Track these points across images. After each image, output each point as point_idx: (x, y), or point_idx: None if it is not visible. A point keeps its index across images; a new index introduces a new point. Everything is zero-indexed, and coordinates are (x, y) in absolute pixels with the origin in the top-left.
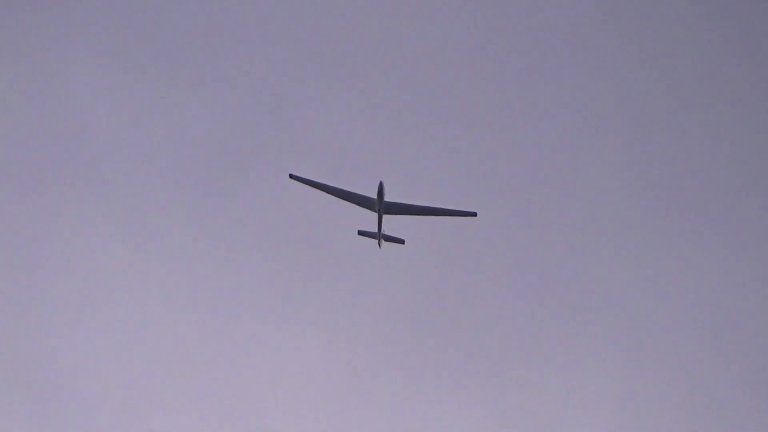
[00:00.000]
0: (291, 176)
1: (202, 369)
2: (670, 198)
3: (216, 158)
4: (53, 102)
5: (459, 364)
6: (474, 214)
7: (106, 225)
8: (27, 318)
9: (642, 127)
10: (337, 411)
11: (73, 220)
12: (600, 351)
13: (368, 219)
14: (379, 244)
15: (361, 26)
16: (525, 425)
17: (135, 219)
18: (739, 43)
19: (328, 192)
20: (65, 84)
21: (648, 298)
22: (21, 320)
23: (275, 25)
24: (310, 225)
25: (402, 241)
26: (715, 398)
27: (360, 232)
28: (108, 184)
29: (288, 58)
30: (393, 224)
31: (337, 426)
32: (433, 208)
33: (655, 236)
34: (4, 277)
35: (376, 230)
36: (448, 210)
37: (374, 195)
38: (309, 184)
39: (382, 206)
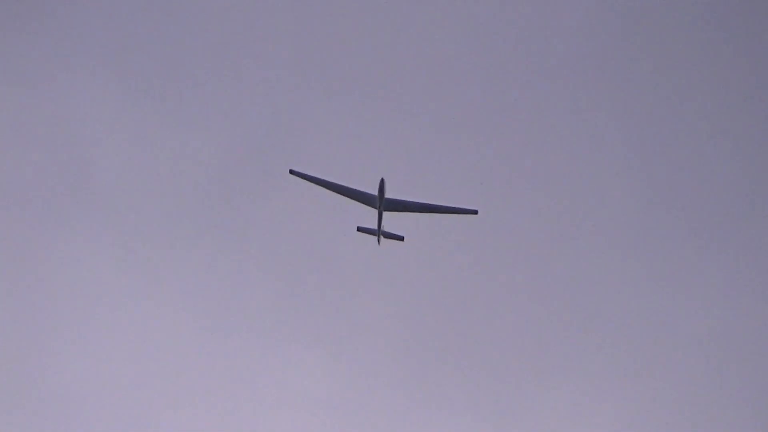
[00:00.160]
0: (291, 171)
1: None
2: (670, 198)
3: (217, 171)
4: (53, 119)
5: (459, 366)
6: (475, 212)
7: (103, 241)
8: (27, 335)
9: (644, 124)
10: (337, 415)
11: (71, 237)
12: (600, 352)
13: (368, 216)
14: (378, 240)
15: (364, 22)
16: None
17: (133, 234)
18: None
19: (328, 188)
20: (64, 100)
21: (651, 296)
22: (20, 337)
23: (277, 21)
24: (309, 221)
25: (401, 238)
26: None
27: (359, 229)
28: (107, 200)
29: (290, 56)
30: (392, 221)
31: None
32: (434, 205)
33: (658, 233)
34: (3, 294)
35: (376, 227)
36: (449, 207)
37: (375, 191)
38: (309, 180)
39: (382, 203)
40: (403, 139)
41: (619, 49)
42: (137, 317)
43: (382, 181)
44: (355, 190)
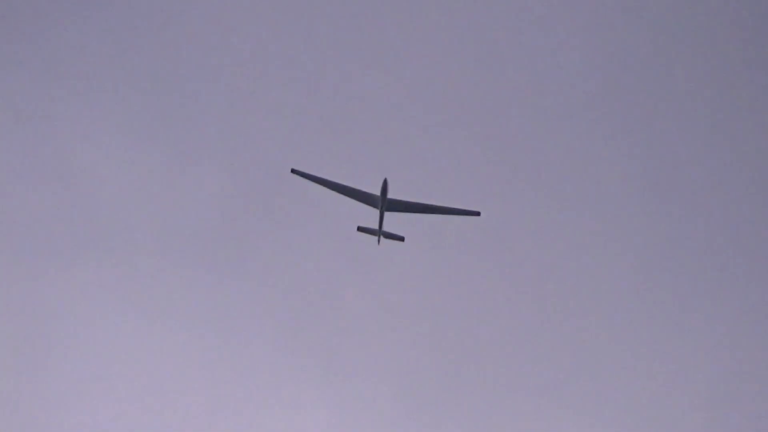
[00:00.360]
0: (293, 171)
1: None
2: (672, 198)
3: (223, 222)
4: (60, 168)
5: (459, 366)
6: (478, 214)
7: (110, 291)
8: (32, 389)
9: (648, 127)
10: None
11: (79, 288)
12: (601, 352)
13: (368, 215)
14: (378, 240)
15: (368, 22)
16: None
17: (141, 287)
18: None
19: (329, 187)
20: (72, 150)
21: (652, 296)
22: (25, 393)
23: (281, 20)
24: (310, 221)
25: (402, 239)
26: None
27: (360, 228)
28: (114, 252)
29: (292, 56)
30: (393, 221)
31: None
32: (436, 206)
33: (660, 234)
34: (8, 345)
35: (377, 227)
36: (452, 209)
37: (376, 191)
38: (311, 179)
39: (385, 203)
40: (405, 140)
41: (622, 51)
42: (141, 352)
43: (385, 182)
44: (357, 189)
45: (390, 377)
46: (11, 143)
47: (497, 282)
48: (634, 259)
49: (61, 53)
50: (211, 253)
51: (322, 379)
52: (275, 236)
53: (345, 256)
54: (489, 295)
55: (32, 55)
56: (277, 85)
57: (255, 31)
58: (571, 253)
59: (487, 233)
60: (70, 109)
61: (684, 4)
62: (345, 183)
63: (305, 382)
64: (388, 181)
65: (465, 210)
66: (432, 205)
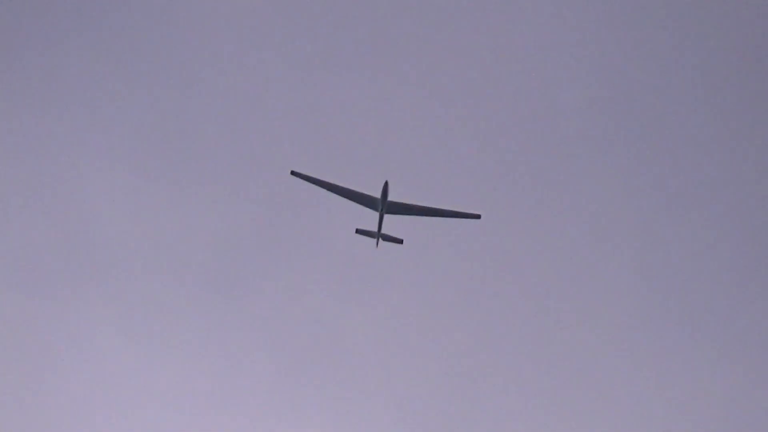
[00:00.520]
0: (293, 173)
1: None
2: (673, 199)
3: (225, 256)
4: (62, 204)
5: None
6: (478, 217)
7: (111, 323)
8: (32, 409)
9: (648, 130)
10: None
11: (80, 320)
12: (601, 355)
13: (367, 217)
14: (377, 243)
15: (369, 24)
16: None
17: (143, 319)
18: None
19: (329, 190)
20: (73, 186)
21: (653, 297)
22: (25, 410)
23: (280, 22)
24: (309, 223)
25: (401, 241)
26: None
27: (358, 231)
28: (116, 283)
29: (294, 56)
30: (392, 223)
31: None
32: (437, 209)
33: (661, 237)
34: (10, 373)
35: (375, 229)
36: (452, 211)
37: (376, 194)
38: (310, 181)
39: (385, 206)
40: (405, 142)
41: (622, 55)
42: (141, 390)
43: (386, 184)
44: (357, 192)
45: (390, 378)
46: (12, 179)
47: (497, 285)
48: (633, 262)
49: (58, 81)
50: (210, 259)
51: (321, 381)
52: (275, 238)
53: (343, 258)
54: (489, 298)
55: (31, 84)
56: (277, 87)
57: (255, 32)
58: (571, 256)
59: (487, 236)
60: (69, 138)
61: (684, 4)
62: (345, 185)
63: (304, 386)
64: (389, 183)
65: (465, 213)
66: (432, 208)
